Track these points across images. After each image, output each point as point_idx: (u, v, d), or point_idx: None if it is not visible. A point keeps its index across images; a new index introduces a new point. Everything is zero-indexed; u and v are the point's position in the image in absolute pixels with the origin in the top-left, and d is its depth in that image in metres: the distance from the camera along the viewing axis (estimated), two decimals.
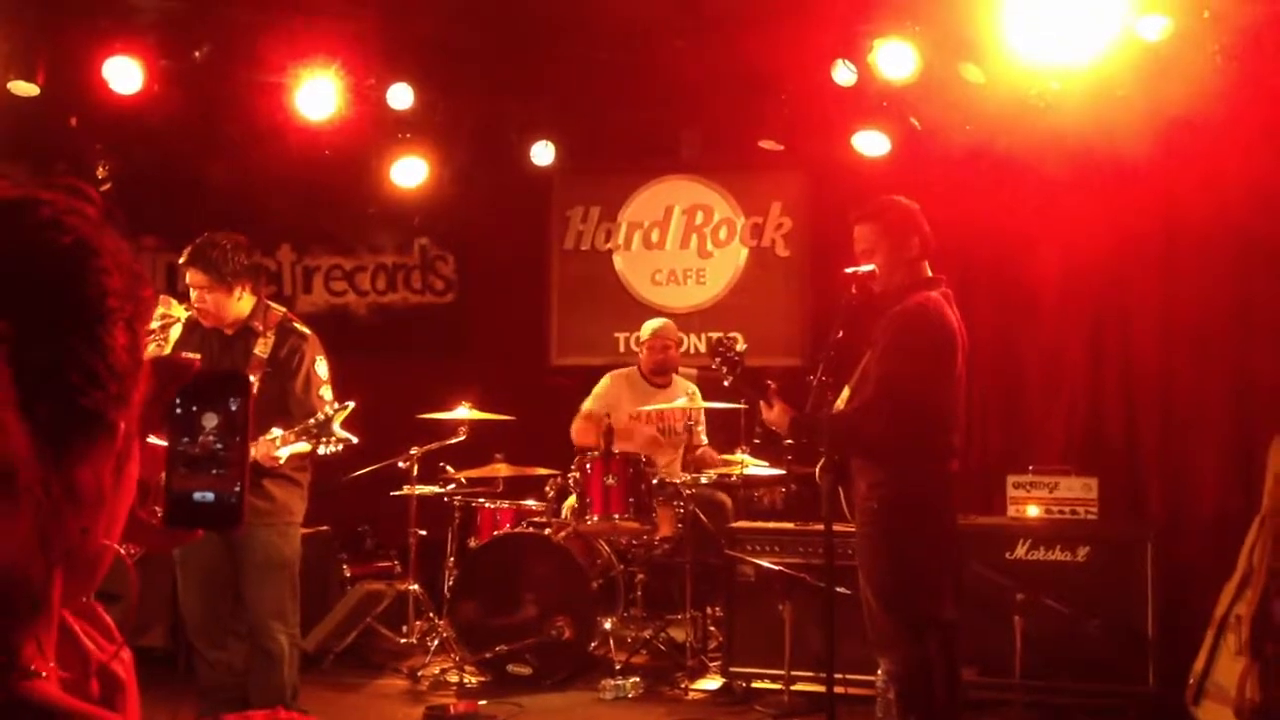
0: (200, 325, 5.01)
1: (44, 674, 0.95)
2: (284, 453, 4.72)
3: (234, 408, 1.21)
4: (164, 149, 8.01)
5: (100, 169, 8.03)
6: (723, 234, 8.66)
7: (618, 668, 6.41)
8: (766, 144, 8.01)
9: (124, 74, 6.89)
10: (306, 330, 5.10)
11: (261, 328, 5.01)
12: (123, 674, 1.11)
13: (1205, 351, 6.83)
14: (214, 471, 1.20)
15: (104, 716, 1.01)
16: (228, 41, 7.02)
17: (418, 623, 7.05)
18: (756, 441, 6.43)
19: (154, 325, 4.76)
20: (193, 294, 4.92)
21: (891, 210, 4.67)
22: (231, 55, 7.07)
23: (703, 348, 8.26)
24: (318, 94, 7.05)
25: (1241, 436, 6.57)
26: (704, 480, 6.88)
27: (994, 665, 5.61)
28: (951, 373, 4.54)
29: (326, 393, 4.96)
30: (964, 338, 4.59)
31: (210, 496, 1.20)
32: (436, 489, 7.03)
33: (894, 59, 6.45)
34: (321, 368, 5.03)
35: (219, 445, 1.20)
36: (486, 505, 6.99)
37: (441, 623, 6.78)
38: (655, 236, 8.76)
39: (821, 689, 4.90)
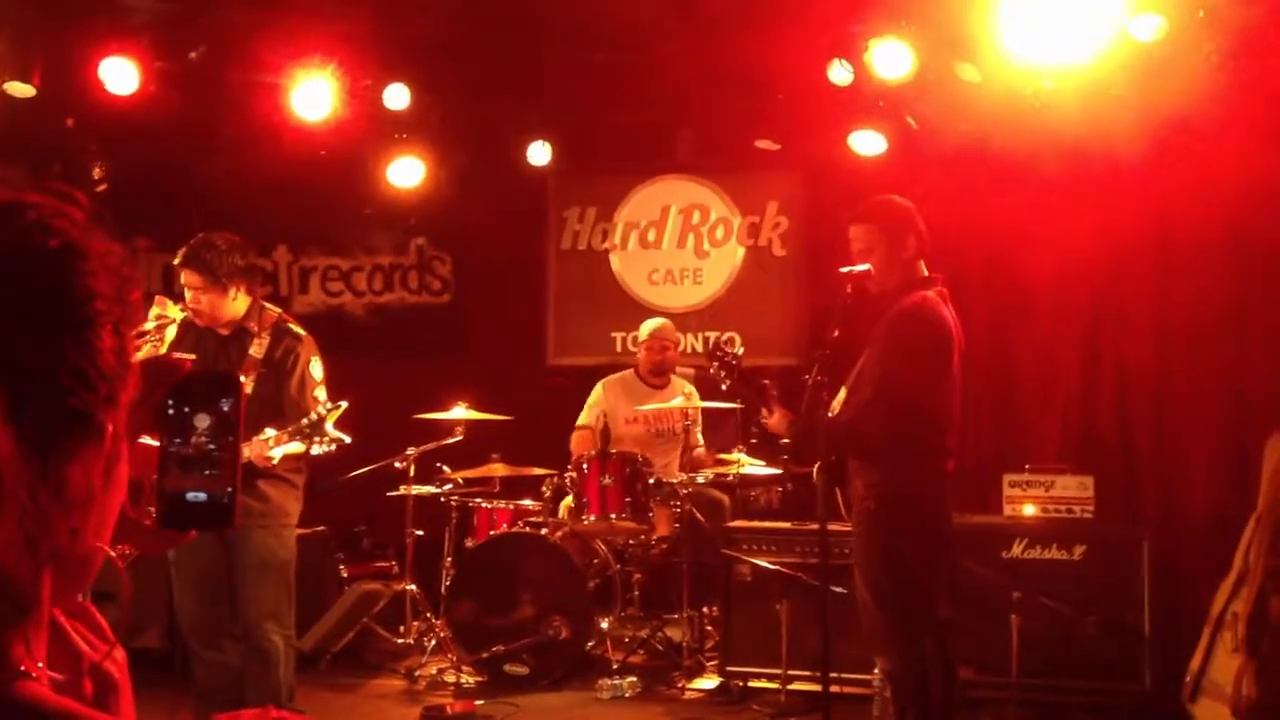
0: (196, 326, 5.01)
1: (34, 674, 0.96)
2: (277, 453, 4.72)
3: (226, 408, 1.22)
4: (160, 150, 8.00)
5: (96, 170, 8.04)
6: (719, 233, 8.67)
7: (615, 667, 6.42)
8: (763, 143, 8.02)
9: (120, 75, 6.88)
10: (301, 331, 5.11)
11: (257, 328, 5.01)
12: (116, 674, 1.11)
13: (1200, 350, 6.84)
14: (206, 472, 1.20)
15: (95, 717, 1.01)
16: (223, 42, 7.01)
17: (414, 623, 7.06)
18: (753, 441, 6.45)
19: (149, 326, 4.78)
20: (188, 295, 4.92)
21: (887, 210, 4.68)
22: (227, 56, 7.07)
23: (700, 347, 8.26)
24: (314, 94, 7.05)
25: (1237, 435, 6.57)
26: (701, 480, 6.89)
27: (990, 664, 5.62)
28: (948, 372, 4.55)
29: (321, 394, 4.96)
30: (960, 337, 4.60)
31: (203, 496, 1.20)
32: (433, 489, 7.04)
33: (890, 58, 6.45)
34: (316, 369, 5.03)
35: (211, 446, 1.21)
36: (483, 505, 7.00)
37: (438, 623, 6.78)
38: (652, 236, 8.77)
39: (818, 688, 4.91)
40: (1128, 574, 5.79)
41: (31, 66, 6.80)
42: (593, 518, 6.59)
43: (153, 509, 1.20)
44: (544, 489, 6.90)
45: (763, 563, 6.08)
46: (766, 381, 4.89)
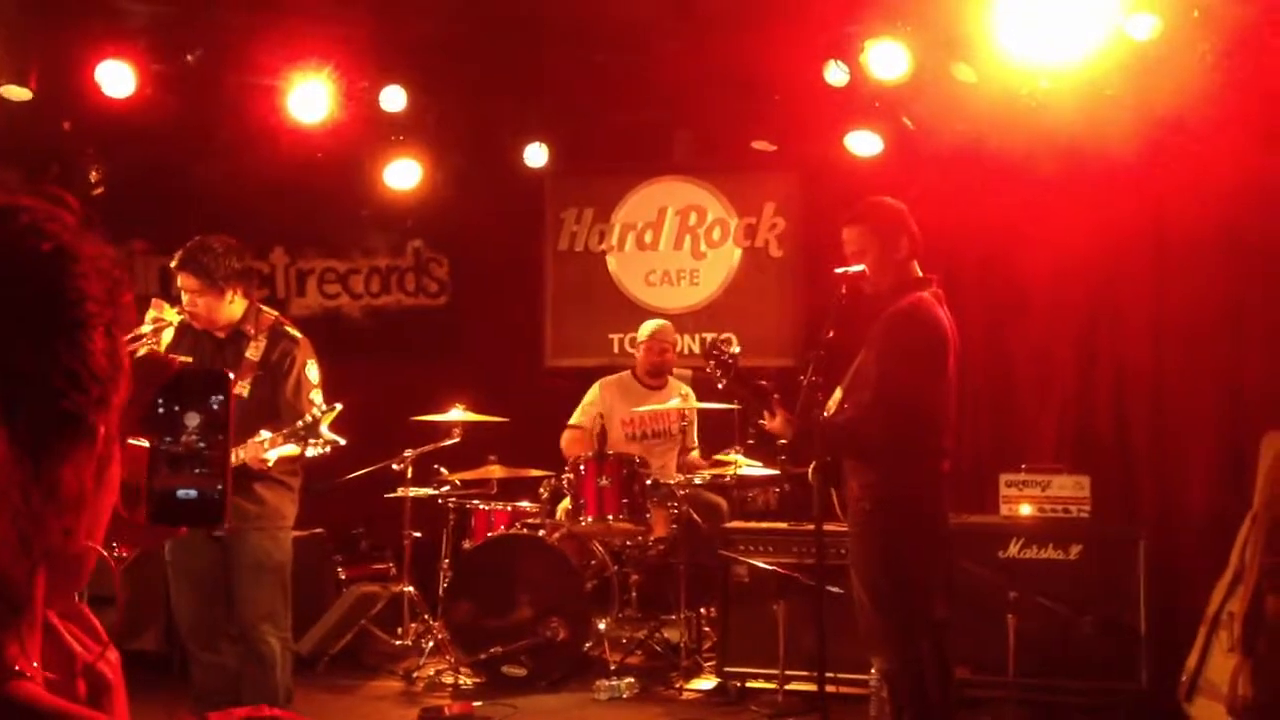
0: (192, 328, 5.01)
1: (28, 674, 0.96)
2: (272, 455, 4.73)
3: (215, 406, 1.22)
4: (157, 152, 8.01)
5: (93, 173, 8.04)
6: (716, 235, 8.68)
7: (612, 668, 6.42)
8: (759, 144, 8.03)
9: (116, 78, 6.88)
10: (298, 334, 5.11)
11: (253, 331, 5.02)
12: (110, 674, 1.12)
13: (1196, 349, 6.85)
14: (197, 470, 1.21)
15: (89, 716, 1.02)
16: (220, 45, 7.01)
17: (412, 625, 7.07)
18: (750, 442, 6.45)
19: (146, 329, 4.78)
20: (184, 298, 4.93)
21: (879, 211, 4.69)
22: (224, 59, 7.07)
23: (697, 348, 8.26)
24: (310, 97, 7.05)
25: (1232, 434, 6.58)
26: (698, 481, 6.89)
27: (987, 663, 5.62)
28: (943, 373, 4.56)
29: (317, 396, 4.96)
30: (955, 337, 4.61)
31: (193, 494, 1.21)
32: (431, 491, 7.04)
33: (886, 59, 6.46)
34: (312, 371, 5.04)
35: (201, 444, 1.22)
36: (481, 507, 7.00)
37: (436, 624, 6.79)
38: (649, 238, 8.77)
39: (816, 688, 4.91)
40: (1124, 573, 5.79)
41: (28, 70, 6.81)
42: (590, 519, 6.60)
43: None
44: (541, 490, 6.90)
45: (760, 563, 6.09)
46: (764, 383, 4.89)
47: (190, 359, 4.90)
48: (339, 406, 4.77)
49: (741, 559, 6.16)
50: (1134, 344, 7.05)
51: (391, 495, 7.04)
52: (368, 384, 6.04)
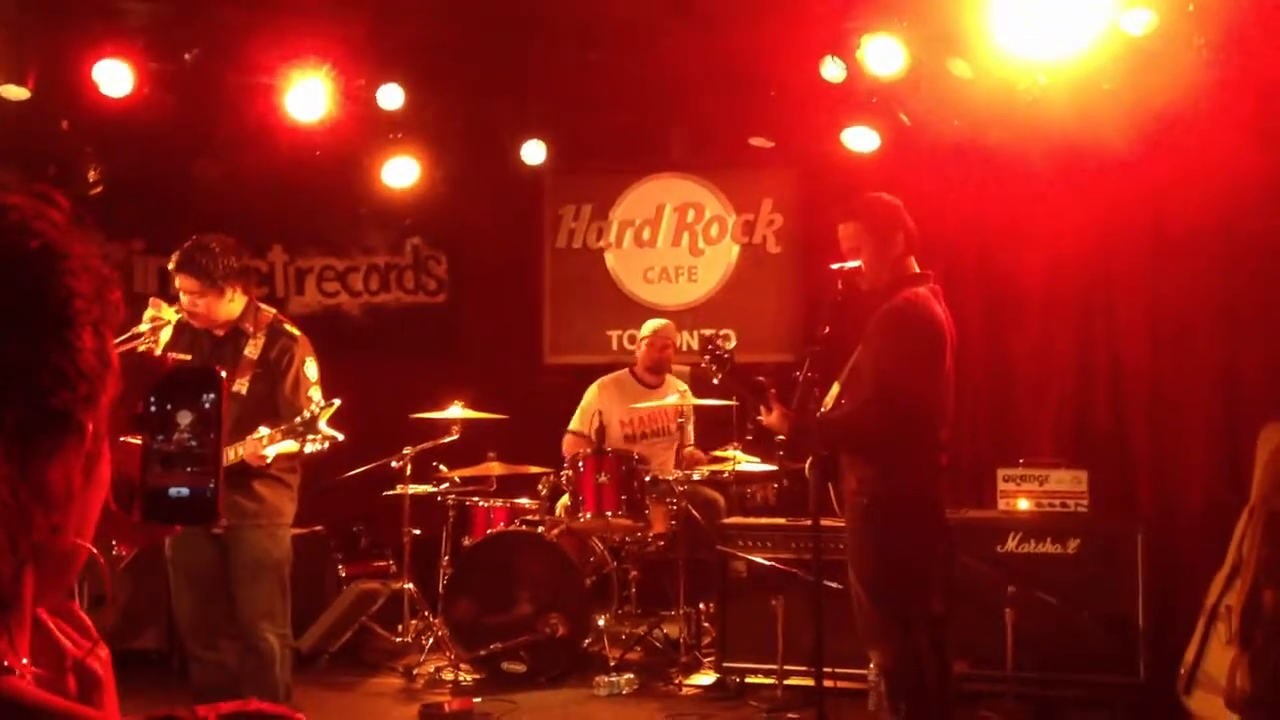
0: (190, 327, 5.01)
1: (16, 670, 0.97)
2: (271, 451, 4.73)
3: (207, 405, 1.23)
4: (155, 151, 8.01)
5: (91, 172, 8.05)
6: (714, 231, 8.69)
7: (612, 664, 6.43)
8: (756, 141, 8.03)
9: (114, 77, 6.89)
10: (296, 331, 5.12)
11: (252, 329, 5.02)
12: (100, 670, 1.12)
13: (1193, 343, 6.86)
14: (189, 468, 1.22)
15: (79, 711, 1.02)
16: (217, 43, 7.02)
17: (413, 621, 7.08)
18: (749, 438, 6.46)
19: (144, 328, 4.78)
20: (184, 299, 4.93)
21: (874, 208, 4.69)
22: (221, 57, 7.07)
23: (695, 345, 8.28)
24: (308, 95, 7.05)
25: (1230, 428, 6.59)
26: (696, 477, 6.90)
27: (985, 658, 5.63)
28: (940, 368, 4.56)
29: (315, 394, 4.97)
30: (953, 332, 4.61)
31: (186, 492, 1.22)
32: (430, 488, 7.06)
33: (882, 55, 6.46)
34: (311, 369, 5.04)
35: (193, 442, 1.22)
36: (480, 504, 7.01)
37: (436, 621, 6.80)
38: (647, 234, 8.78)
39: (814, 683, 4.92)
40: (1122, 567, 5.80)
41: (26, 69, 6.82)
42: (589, 515, 6.61)
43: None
44: (540, 487, 6.92)
45: (758, 559, 6.10)
46: (762, 378, 4.90)
47: (188, 357, 4.91)
48: (337, 402, 4.78)
49: (740, 554, 6.17)
50: (1131, 338, 7.06)
51: (391, 492, 7.05)
52: (367, 381, 6.04)
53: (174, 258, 4.93)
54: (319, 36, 6.98)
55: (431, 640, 6.80)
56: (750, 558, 6.13)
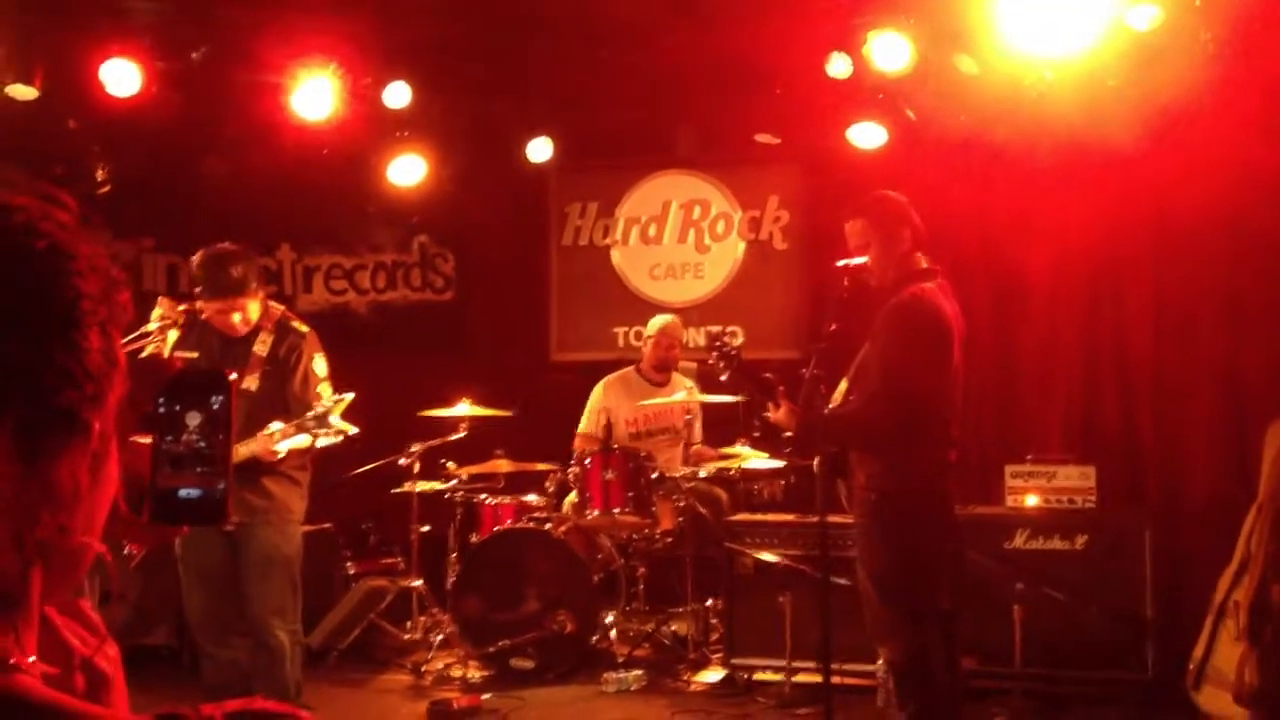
0: (199, 325, 5.03)
1: (24, 668, 0.98)
2: (283, 446, 4.75)
3: (216, 406, 1.24)
4: (162, 150, 8.02)
5: (99, 171, 8.06)
6: (720, 228, 8.68)
7: (620, 661, 6.44)
8: (763, 138, 8.02)
9: (121, 76, 6.90)
10: (305, 328, 5.14)
11: (261, 326, 5.04)
12: (108, 668, 1.13)
13: (1200, 339, 6.85)
14: (199, 469, 1.23)
15: (86, 710, 1.03)
16: (224, 42, 7.02)
17: (421, 618, 7.10)
18: (756, 435, 6.46)
19: (152, 327, 4.80)
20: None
21: (881, 205, 4.69)
22: (228, 56, 7.07)
23: (702, 342, 8.27)
24: (315, 94, 7.06)
25: (1238, 423, 6.58)
26: (703, 474, 6.90)
27: (993, 654, 5.64)
28: (948, 363, 4.56)
29: (325, 390, 4.99)
30: (960, 328, 4.61)
31: (195, 493, 1.23)
32: (438, 485, 7.07)
33: (888, 51, 6.46)
34: (320, 365, 5.06)
35: (202, 443, 1.23)
36: (488, 501, 7.02)
37: (444, 618, 6.81)
38: (653, 231, 8.78)
39: (822, 679, 4.92)
40: (1130, 563, 5.80)
41: (33, 69, 6.84)
42: (596, 513, 6.62)
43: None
44: (548, 484, 6.93)
45: (766, 555, 6.10)
46: (769, 375, 4.90)
47: (196, 354, 4.93)
48: (350, 395, 4.80)
49: (748, 551, 6.17)
50: (1138, 334, 7.05)
51: (399, 490, 7.07)
52: (374, 379, 6.04)
53: (199, 286, 4.92)
54: (325, 35, 6.99)
55: (440, 637, 6.82)
56: (758, 554, 6.13)
